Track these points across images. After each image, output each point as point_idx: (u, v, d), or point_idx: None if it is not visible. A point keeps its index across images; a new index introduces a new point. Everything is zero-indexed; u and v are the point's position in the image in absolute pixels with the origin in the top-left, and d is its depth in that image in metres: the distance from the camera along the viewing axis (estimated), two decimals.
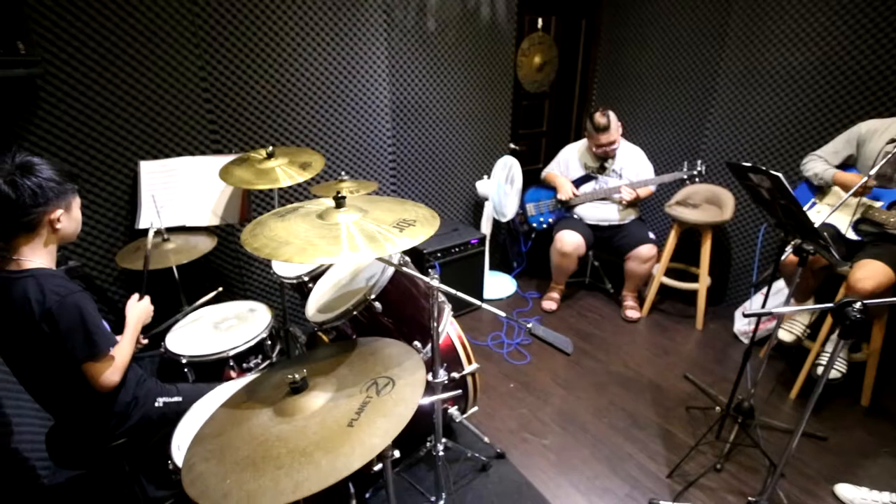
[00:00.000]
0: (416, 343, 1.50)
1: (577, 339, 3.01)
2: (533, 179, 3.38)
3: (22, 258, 1.27)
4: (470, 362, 1.93)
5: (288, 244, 1.06)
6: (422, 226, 1.11)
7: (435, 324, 1.34)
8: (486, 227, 3.30)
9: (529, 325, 1.35)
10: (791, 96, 2.81)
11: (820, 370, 2.30)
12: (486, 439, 2.13)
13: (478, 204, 3.47)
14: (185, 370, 1.70)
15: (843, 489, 1.93)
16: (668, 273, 3.20)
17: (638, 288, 3.24)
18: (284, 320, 2.33)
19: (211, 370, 1.72)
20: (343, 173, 2.29)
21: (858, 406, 2.42)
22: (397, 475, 1.96)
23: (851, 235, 2.21)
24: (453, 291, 1.30)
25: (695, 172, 2.94)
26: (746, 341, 2.87)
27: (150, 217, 2.13)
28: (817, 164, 2.35)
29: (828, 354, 2.32)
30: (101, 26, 2.01)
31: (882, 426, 2.30)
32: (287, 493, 0.81)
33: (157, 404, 1.51)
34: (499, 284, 3.52)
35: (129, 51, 2.09)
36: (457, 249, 2.99)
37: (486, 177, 3.30)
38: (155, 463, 1.56)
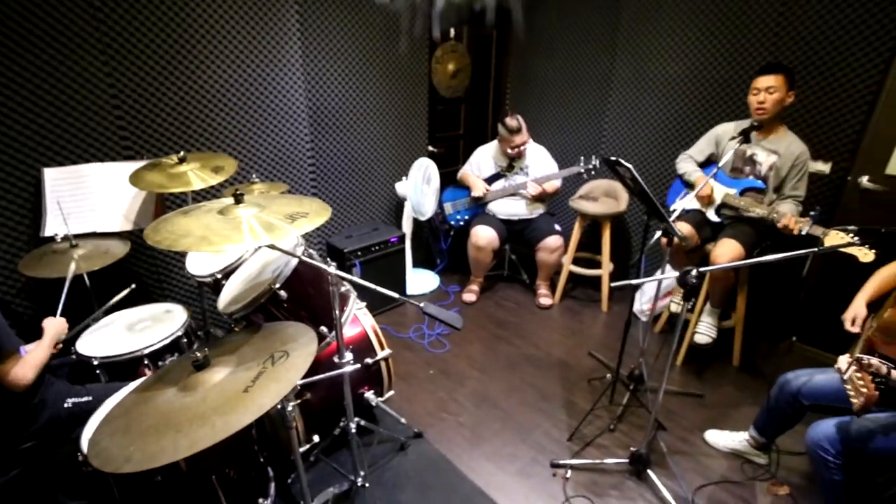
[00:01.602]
0: (323, 329, 1.63)
1: (495, 326, 3.23)
2: (452, 180, 3.59)
3: None
4: (382, 348, 2.08)
5: (188, 236, 1.16)
6: (313, 216, 1.25)
7: (337, 310, 1.47)
8: (406, 226, 3.46)
9: (422, 305, 1.51)
10: (670, 101, 3.20)
11: (697, 337, 2.66)
12: (403, 420, 2.29)
13: (399, 204, 3.63)
14: (98, 371, 1.72)
15: (710, 434, 2.26)
16: (577, 262, 3.51)
17: (550, 277, 3.52)
18: (204, 322, 2.37)
19: (125, 370, 1.75)
20: (254, 175, 2.37)
21: (731, 367, 2.80)
22: (319, 460, 2.07)
23: (714, 218, 2.58)
24: (352, 278, 1.44)
25: (590, 166, 3.26)
26: (643, 318, 3.22)
27: (56, 224, 2.11)
28: (687, 165, 2.70)
29: (703, 323, 2.68)
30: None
31: (749, 382, 2.68)
32: (183, 450, 0.92)
33: (66, 405, 1.54)
34: (422, 280, 3.69)
35: (28, 56, 2.07)
36: (377, 248, 3.14)
37: (404, 178, 3.46)
38: (67, 472, 1.58)
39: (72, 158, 2.29)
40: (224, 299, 1.68)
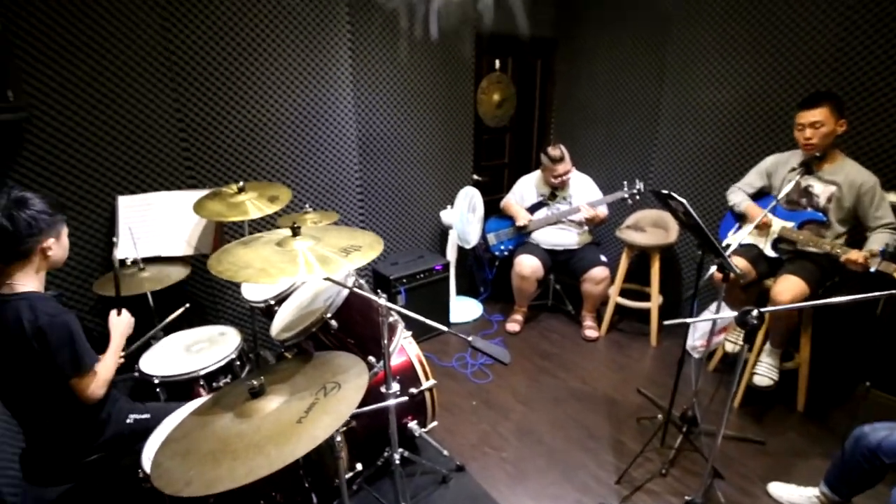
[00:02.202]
0: (371, 358, 1.65)
1: (539, 358, 3.17)
2: (496, 209, 3.60)
3: (14, 283, 1.40)
4: (428, 379, 2.08)
5: (249, 267, 1.22)
6: (367, 250, 1.29)
7: (385, 340, 1.49)
8: (450, 254, 3.48)
9: (470, 339, 1.51)
10: (720, 130, 3.12)
11: (756, 379, 2.51)
12: (446, 453, 2.26)
13: (443, 232, 3.67)
14: (158, 390, 1.80)
15: (774, 487, 2.10)
16: (624, 293, 3.41)
17: (596, 308, 3.43)
18: (255, 344, 2.45)
19: (182, 389, 1.82)
20: (307, 205, 2.47)
21: (795, 412, 2.62)
22: (361, 488, 2.06)
23: (771, 253, 2.45)
24: (402, 310, 1.46)
25: (634, 191, 3.20)
26: (696, 355, 3.08)
27: (127, 248, 2.26)
28: (736, 196, 2.61)
29: (763, 364, 2.53)
30: (81, 70, 2.18)
31: (814, 429, 2.49)
32: (241, 478, 0.94)
33: (128, 420, 1.62)
34: (466, 308, 3.68)
35: (109, 94, 2.26)
36: (422, 275, 3.17)
37: (449, 206, 3.50)
38: (125, 484, 1.65)
39: (142, 187, 2.46)
40: (277, 326, 1.74)
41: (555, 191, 3.30)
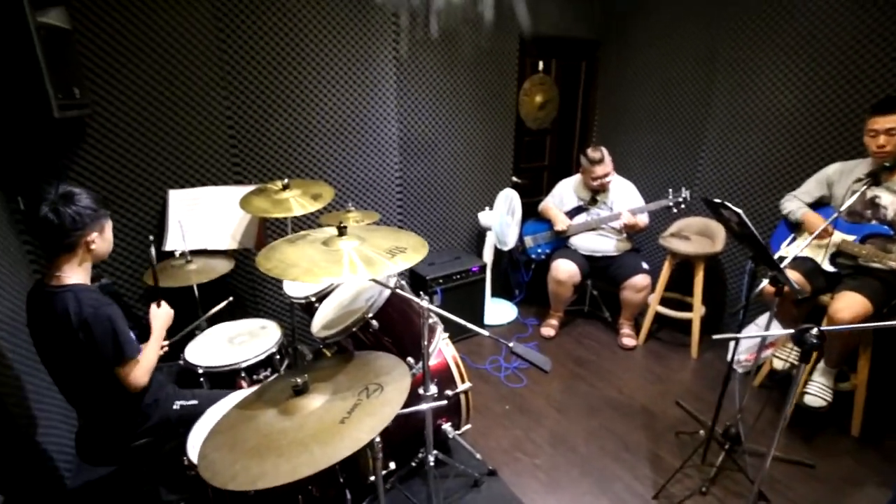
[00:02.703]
0: (410, 359, 1.65)
1: (574, 365, 3.11)
2: (533, 212, 3.56)
3: (62, 274, 1.45)
4: (463, 381, 2.06)
5: (296, 266, 1.23)
6: (412, 252, 1.28)
7: (426, 342, 1.48)
8: (487, 256, 3.46)
9: (511, 344, 1.49)
10: (774, 136, 2.97)
11: (807, 399, 2.39)
12: (478, 456, 2.24)
13: (480, 233, 3.64)
14: (202, 380, 1.86)
15: None
16: (664, 302, 3.31)
17: (634, 316, 3.34)
18: (293, 338, 2.49)
19: (224, 380, 1.88)
20: (349, 204, 2.50)
21: (849, 436, 2.47)
22: (393, 487, 2.07)
23: (828, 267, 2.32)
24: (444, 313, 1.45)
25: (679, 199, 3.09)
26: (741, 370, 2.95)
27: (176, 240, 2.34)
28: (791, 204, 2.49)
29: (815, 383, 2.40)
30: (139, 70, 2.27)
31: (871, 456, 2.35)
32: (285, 475, 0.95)
33: (174, 406, 1.67)
34: (500, 311, 3.65)
35: (164, 92, 2.35)
36: (458, 276, 3.16)
37: (487, 208, 3.48)
38: (169, 467, 1.71)
39: (191, 182, 2.54)
40: (318, 323, 1.76)
41: (595, 195, 3.23)
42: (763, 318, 2.96)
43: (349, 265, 1.23)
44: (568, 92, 4.02)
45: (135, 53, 2.24)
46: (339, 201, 2.94)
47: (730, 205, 1.73)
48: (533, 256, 3.44)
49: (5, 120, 1.99)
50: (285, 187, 2.23)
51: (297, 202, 2.16)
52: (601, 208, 3.23)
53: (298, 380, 1.16)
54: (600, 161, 3.07)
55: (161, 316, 1.74)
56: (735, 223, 1.80)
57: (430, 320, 1.73)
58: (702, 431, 2.30)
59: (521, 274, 3.76)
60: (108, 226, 1.55)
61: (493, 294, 3.75)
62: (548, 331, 3.41)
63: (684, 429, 2.50)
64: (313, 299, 1.94)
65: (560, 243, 3.37)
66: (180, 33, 2.32)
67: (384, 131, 3.03)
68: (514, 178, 3.80)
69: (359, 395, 1.17)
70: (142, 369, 1.52)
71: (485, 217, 3.45)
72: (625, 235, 3.23)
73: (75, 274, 1.47)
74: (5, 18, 1.73)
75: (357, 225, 1.74)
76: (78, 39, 2.11)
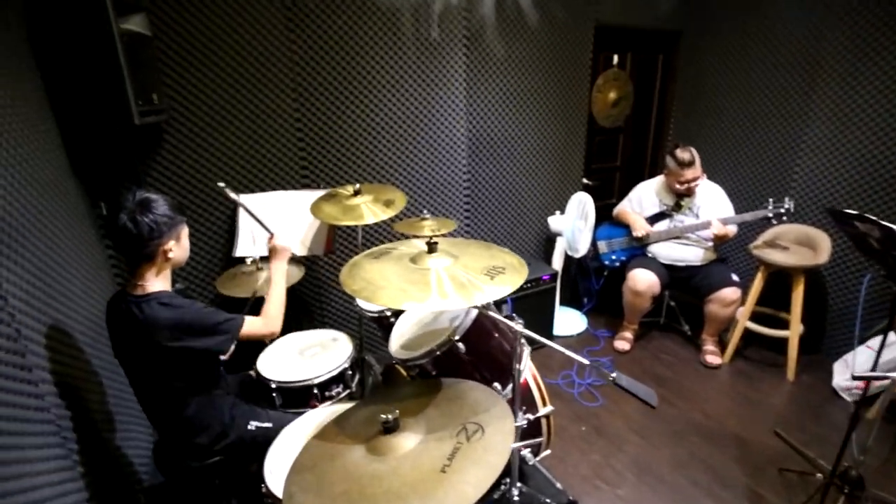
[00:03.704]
0: (496, 385, 1.51)
1: (652, 382, 2.88)
2: (605, 215, 3.33)
3: (145, 284, 1.43)
4: (545, 404, 1.90)
5: (384, 289, 1.12)
6: (511, 273, 1.14)
7: (518, 365, 1.34)
8: (557, 263, 3.27)
9: (613, 376, 1.32)
10: (889, 137, 2.61)
11: None
12: (558, 485, 2.07)
13: (549, 239, 3.46)
14: (274, 395, 1.80)
15: None
16: (754, 318, 3.00)
17: (719, 332, 3.06)
18: (361, 348, 2.41)
19: (297, 396, 1.81)
20: (424, 211, 2.39)
21: None
22: None
23: None
24: (538, 337, 1.30)
25: (781, 211, 2.78)
26: (849, 398, 2.63)
27: (247, 246, 2.31)
28: None
29: None
30: (213, 75, 2.25)
31: None
32: None
33: (249, 427, 1.62)
34: (569, 321, 3.45)
35: (235, 96, 2.32)
36: (528, 285, 2.99)
37: (558, 212, 3.29)
38: (247, 486, 1.66)
39: (261, 186, 2.51)
40: (396, 342, 1.65)
41: (680, 201, 2.96)
42: (875, 341, 2.62)
43: (437, 288, 1.10)
44: (643, 88, 3.75)
45: (209, 58, 2.23)
46: (408, 206, 2.85)
47: (873, 217, 1.48)
48: (606, 263, 3.22)
49: (88, 126, 2.01)
50: (356, 193, 2.14)
51: (368, 209, 2.07)
52: (686, 215, 2.96)
53: (389, 416, 1.05)
54: (690, 164, 2.79)
55: (275, 250, 1.79)
56: (875, 239, 1.54)
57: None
58: (819, 475, 2.02)
59: (591, 281, 3.54)
60: (185, 233, 1.51)
61: (561, 302, 3.56)
62: (622, 344, 3.19)
63: (789, 465, 2.23)
64: (388, 313, 1.84)
65: (637, 251, 3.13)
66: (252, 35, 2.29)
67: (452, 132, 2.91)
68: (585, 180, 3.58)
69: (456, 435, 1.04)
70: (269, 313, 1.58)
71: (555, 222, 3.26)
72: (710, 244, 2.95)
73: (157, 282, 1.45)
74: (90, 26, 1.73)
75: (435, 233, 1.61)
76: (156, 45, 2.11)
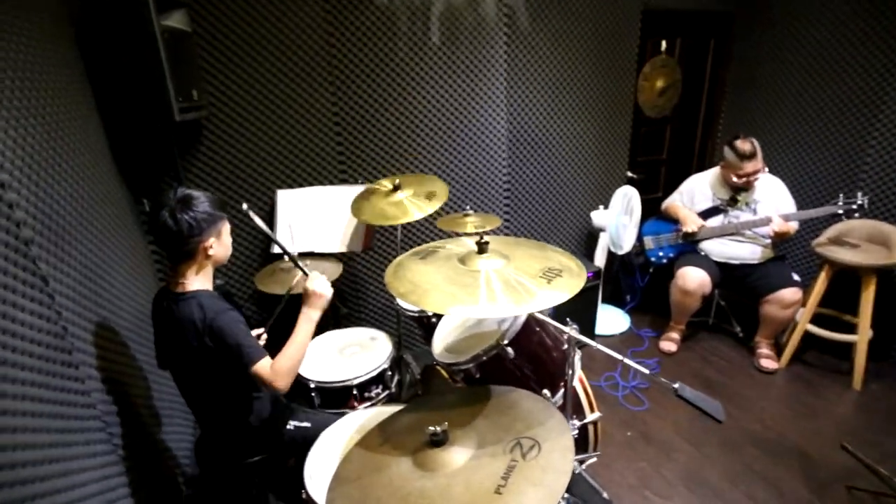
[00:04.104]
0: (546, 392, 1.43)
1: (703, 387, 2.72)
2: (650, 210, 3.17)
3: (186, 281, 1.41)
4: (593, 410, 1.80)
5: (431, 292, 1.05)
6: (570, 278, 1.05)
7: (570, 371, 1.26)
8: (600, 260, 3.14)
9: (675, 387, 1.22)
10: None
11: None
12: (604, 495, 1.97)
13: (591, 234, 3.33)
14: (313, 394, 1.77)
15: None
16: (815, 320, 2.80)
17: (775, 335, 2.87)
18: (399, 347, 2.36)
19: (336, 396, 1.78)
20: (468, 207, 2.30)
21: None
22: None
23: None
24: (588, 341, 1.21)
25: (854, 206, 2.57)
26: None
27: (285, 243, 2.29)
28: None
29: None
30: (251, 70, 2.23)
31: None
32: None
33: (288, 427, 1.59)
34: (611, 319, 3.32)
35: (273, 91, 2.30)
36: None
37: (601, 206, 3.15)
38: (285, 485, 1.64)
39: (298, 181, 2.49)
40: (439, 344, 1.59)
41: (736, 195, 2.77)
42: None
43: (486, 292, 1.02)
44: (692, 75, 3.55)
45: (247, 53, 2.21)
46: (450, 201, 2.79)
47: None
48: (653, 259, 3.06)
49: (130, 123, 2.02)
50: (396, 188, 2.08)
51: (412, 204, 2.00)
52: (742, 210, 2.77)
53: (438, 429, 0.98)
54: (752, 156, 2.58)
55: (311, 295, 1.45)
56: None
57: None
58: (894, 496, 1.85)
59: (635, 279, 3.39)
60: (226, 230, 1.48)
61: (603, 300, 3.42)
62: (668, 345, 3.03)
63: (858, 483, 2.05)
64: (429, 313, 1.78)
65: (687, 247, 2.96)
66: (291, 29, 2.25)
67: (492, 124, 2.81)
68: (629, 173, 3.42)
69: (510, 451, 0.96)
70: (279, 368, 1.34)
71: (598, 216, 3.12)
72: (768, 241, 2.76)
73: (197, 280, 1.43)
74: (131, 23, 1.72)
75: (479, 230, 1.53)
76: (196, 42, 2.10)
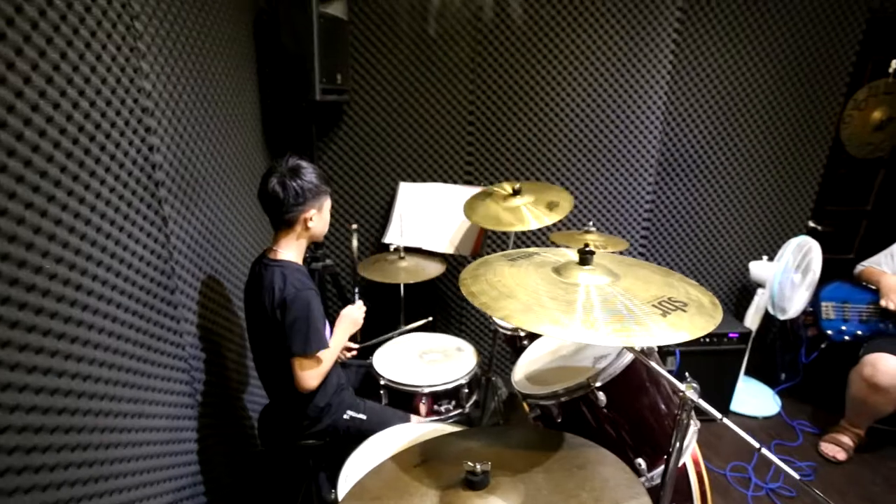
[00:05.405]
0: (640, 461, 1.11)
1: None
2: (834, 273, 2.50)
3: (279, 249, 1.42)
4: (705, 503, 1.40)
5: (511, 297, 0.86)
6: (695, 315, 0.77)
7: (679, 444, 0.94)
8: (752, 321, 2.57)
9: None
10: None
11: None
12: None
13: (745, 288, 2.76)
14: (381, 391, 1.67)
15: None
16: None
17: None
18: (489, 367, 2.17)
19: (403, 399, 1.66)
20: (590, 223, 2.04)
21: None
22: None
23: None
24: (712, 410, 0.89)
25: None
26: None
27: (394, 234, 2.26)
28: None
29: None
30: (398, 62, 2.27)
31: None
32: None
33: (345, 416, 1.52)
34: (755, 397, 2.69)
35: (415, 83, 2.30)
36: (707, 339, 2.38)
37: (765, 257, 2.58)
38: (335, 473, 1.55)
39: (423, 177, 2.45)
40: (521, 370, 1.35)
41: None
42: None
43: (583, 313, 0.79)
44: None
45: (396, 45, 2.25)
46: (573, 218, 2.53)
47: None
48: (830, 333, 2.41)
49: (280, 100, 2.17)
50: (516, 192, 1.91)
51: (529, 211, 1.82)
52: None
53: (479, 466, 0.78)
54: None
55: (348, 318, 1.57)
56: None
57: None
58: None
59: (799, 353, 2.71)
60: (327, 205, 1.48)
61: (747, 372, 2.80)
62: (834, 450, 2.33)
63: None
64: (522, 334, 1.56)
65: (883, 326, 2.27)
66: (440, 24, 2.23)
67: (642, 138, 2.48)
68: (812, 223, 2.77)
69: None
70: (317, 371, 1.37)
71: (759, 268, 2.55)
72: None
73: (290, 250, 1.44)
74: (296, 9, 1.86)
75: (603, 252, 1.27)
76: (351, 30, 2.19)
